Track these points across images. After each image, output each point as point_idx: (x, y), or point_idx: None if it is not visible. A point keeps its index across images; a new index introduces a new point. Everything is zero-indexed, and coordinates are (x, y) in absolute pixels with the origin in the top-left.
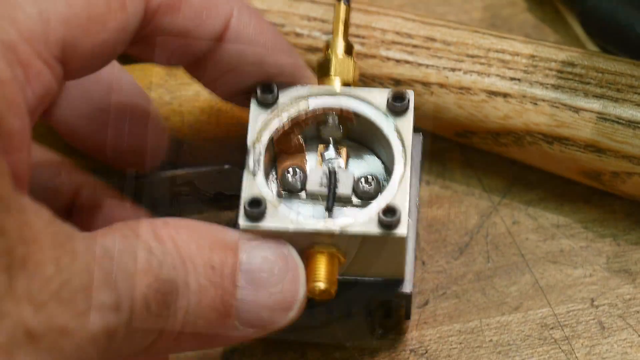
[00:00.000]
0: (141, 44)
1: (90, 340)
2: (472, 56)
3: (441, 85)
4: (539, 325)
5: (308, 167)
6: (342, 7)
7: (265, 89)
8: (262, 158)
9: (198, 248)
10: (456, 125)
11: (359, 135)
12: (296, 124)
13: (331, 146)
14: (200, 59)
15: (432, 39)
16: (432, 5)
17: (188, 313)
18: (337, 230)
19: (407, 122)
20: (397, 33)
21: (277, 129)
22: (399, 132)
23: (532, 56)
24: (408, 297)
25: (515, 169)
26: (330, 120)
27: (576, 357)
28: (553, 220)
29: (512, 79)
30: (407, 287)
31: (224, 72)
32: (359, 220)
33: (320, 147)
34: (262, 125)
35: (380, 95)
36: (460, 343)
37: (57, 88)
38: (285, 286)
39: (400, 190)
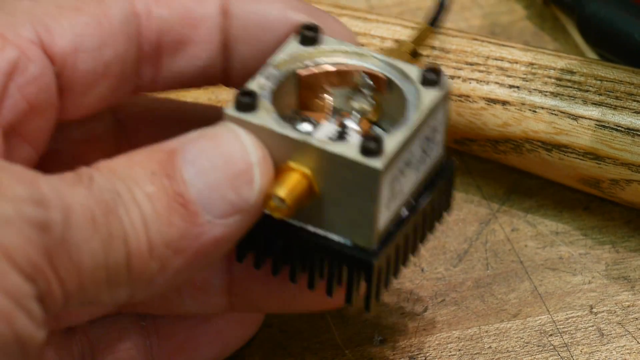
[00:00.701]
0: (155, 58)
1: (5, 223)
2: (471, 64)
3: None
4: (538, 332)
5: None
6: (426, 25)
7: (309, 27)
8: (275, 80)
9: (136, 163)
10: (455, 132)
11: (386, 122)
12: (327, 75)
13: (356, 114)
14: (218, 46)
15: (431, 47)
16: (431, 13)
17: (147, 223)
18: (315, 143)
19: (431, 94)
20: (396, 41)
21: (306, 65)
22: (421, 101)
23: (531, 64)
24: (368, 267)
25: (514, 177)
26: (363, 86)
27: None
28: (552, 228)
29: (511, 86)
30: (370, 256)
31: (244, 49)
32: (340, 143)
33: (345, 114)
34: (291, 58)
35: (417, 71)
36: (459, 350)
37: (36, 71)
38: (234, 156)
39: (394, 134)
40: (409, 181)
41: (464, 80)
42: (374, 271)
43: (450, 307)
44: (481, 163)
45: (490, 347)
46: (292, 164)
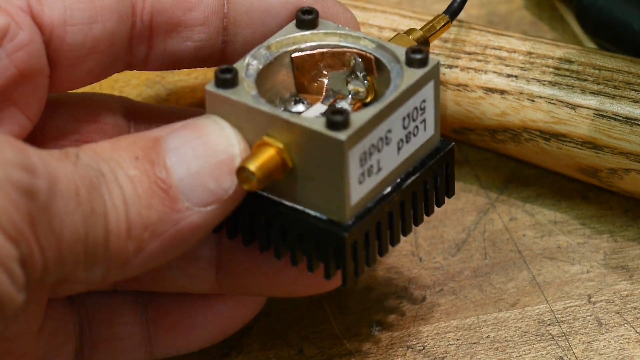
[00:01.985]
0: (148, 37)
1: None
2: (469, 53)
3: None
4: (536, 321)
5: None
6: (442, 16)
7: (306, 11)
8: (263, 60)
9: (120, 148)
10: (453, 122)
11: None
12: (321, 58)
13: (350, 97)
14: (217, 30)
15: None
16: (428, 3)
17: (128, 203)
18: (284, 116)
19: (412, 74)
20: (394, 30)
21: (297, 48)
22: (402, 81)
23: (529, 53)
24: (340, 241)
25: (512, 166)
26: (357, 69)
27: (573, 353)
28: (550, 217)
29: (509, 75)
30: (342, 230)
31: (246, 32)
32: (311, 117)
33: (340, 95)
34: (286, 40)
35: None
36: (458, 339)
37: (26, 38)
38: (217, 148)
39: (365, 110)
40: (389, 159)
41: (462, 69)
42: (346, 245)
43: (448, 297)
44: (479, 152)
45: (488, 337)
46: (267, 139)
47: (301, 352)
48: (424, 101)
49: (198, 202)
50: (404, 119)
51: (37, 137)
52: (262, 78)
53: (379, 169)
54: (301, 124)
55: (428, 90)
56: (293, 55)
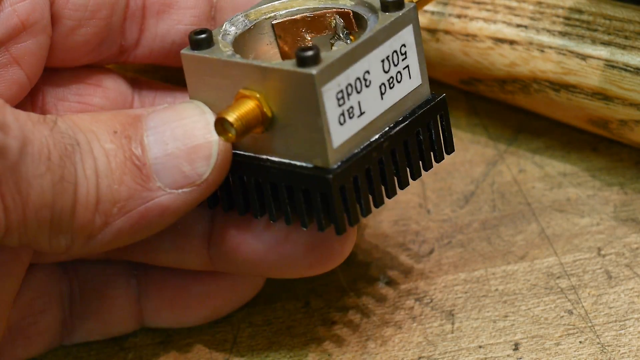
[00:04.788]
0: (140, 18)
1: None
2: (479, 3)
3: (447, 32)
4: (545, 274)
5: None
6: None
7: None
8: (241, 26)
9: (99, 121)
10: (462, 72)
11: None
12: (302, 23)
13: None
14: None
15: None
16: None
17: (99, 176)
18: (256, 63)
19: (387, 17)
20: None
21: (275, 15)
22: (378, 22)
23: (539, 3)
24: (325, 184)
25: (521, 117)
26: (340, 29)
27: (582, 306)
28: (560, 169)
29: (518, 25)
30: (327, 173)
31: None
32: (282, 62)
33: None
34: (265, 8)
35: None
36: (466, 292)
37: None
38: (196, 132)
39: (338, 49)
40: (372, 103)
41: (471, 19)
42: (332, 187)
43: (456, 249)
44: (488, 103)
45: (497, 290)
46: (244, 91)
47: (307, 305)
48: (403, 45)
49: (170, 183)
50: (382, 61)
51: (37, 95)
52: (243, 47)
53: (362, 112)
54: (273, 67)
55: (407, 35)
56: (273, 22)
